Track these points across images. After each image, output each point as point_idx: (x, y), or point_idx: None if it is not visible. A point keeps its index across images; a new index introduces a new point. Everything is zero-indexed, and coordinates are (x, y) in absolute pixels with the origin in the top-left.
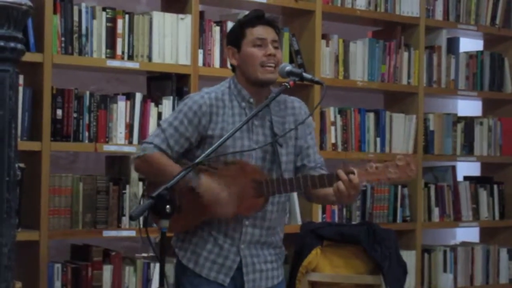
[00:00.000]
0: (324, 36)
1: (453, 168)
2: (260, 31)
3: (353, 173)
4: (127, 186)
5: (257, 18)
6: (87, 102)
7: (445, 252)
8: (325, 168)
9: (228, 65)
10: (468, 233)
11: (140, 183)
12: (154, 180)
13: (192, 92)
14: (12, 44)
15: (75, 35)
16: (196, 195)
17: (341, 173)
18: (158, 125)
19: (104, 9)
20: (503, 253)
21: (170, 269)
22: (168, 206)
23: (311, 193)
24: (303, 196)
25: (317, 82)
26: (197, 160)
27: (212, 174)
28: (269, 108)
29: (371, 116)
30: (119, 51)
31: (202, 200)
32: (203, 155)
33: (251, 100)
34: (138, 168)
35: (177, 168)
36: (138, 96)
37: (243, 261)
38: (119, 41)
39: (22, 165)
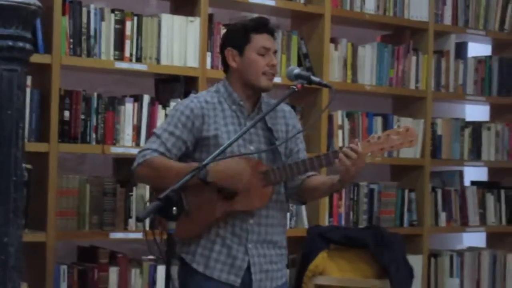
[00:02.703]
0: (332, 40)
1: (461, 173)
2: (266, 40)
3: (356, 145)
4: (134, 188)
5: (263, 25)
6: (94, 104)
7: (451, 257)
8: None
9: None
10: (475, 238)
11: (147, 186)
12: (159, 185)
13: None
14: (20, 44)
15: (84, 37)
16: (206, 190)
17: (345, 147)
18: (152, 134)
19: (112, 10)
20: (510, 259)
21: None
22: (174, 208)
23: (305, 188)
24: (297, 201)
25: (325, 86)
26: (205, 162)
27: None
28: (261, 110)
29: (379, 120)
30: (127, 53)
31: (215, 187)
32: (211, 157)
33: (241, 103)
34: (142, 175)
35: (182, 165)
36: (146, 98)
37: (251, 261)
38: (127, 43)
39: (29, 166)
